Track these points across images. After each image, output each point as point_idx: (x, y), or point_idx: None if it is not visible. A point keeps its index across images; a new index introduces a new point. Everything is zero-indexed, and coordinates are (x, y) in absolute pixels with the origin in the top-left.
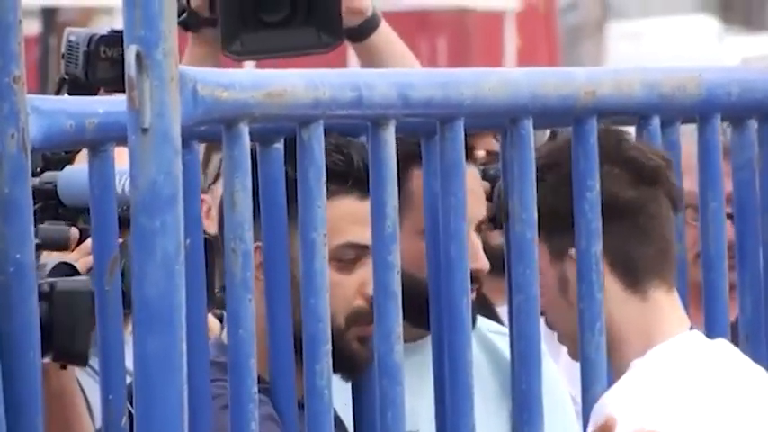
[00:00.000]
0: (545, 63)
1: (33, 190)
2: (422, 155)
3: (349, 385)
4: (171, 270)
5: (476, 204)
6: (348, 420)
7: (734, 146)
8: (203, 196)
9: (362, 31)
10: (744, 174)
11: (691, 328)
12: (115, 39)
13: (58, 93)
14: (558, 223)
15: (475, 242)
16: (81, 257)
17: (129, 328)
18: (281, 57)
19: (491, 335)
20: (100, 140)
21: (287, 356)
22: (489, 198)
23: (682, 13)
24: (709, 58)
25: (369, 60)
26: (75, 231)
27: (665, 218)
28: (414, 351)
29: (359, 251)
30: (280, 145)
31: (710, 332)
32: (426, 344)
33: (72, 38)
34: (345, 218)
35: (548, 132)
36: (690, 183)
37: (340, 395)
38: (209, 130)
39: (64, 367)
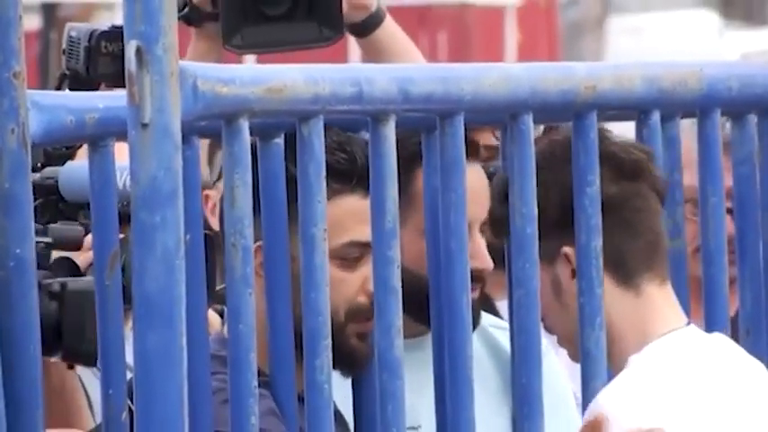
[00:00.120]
0: (545, 58)
1: (34, 185)
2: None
3: (349, 379)
4: (171, 265)
5: (481, 204)
6: (348, 414)
7: (734, 140)
8: (208, 192)
9: (367, 26)
10: (744, 168)
11: (688, 321)
12: (116, 34)
13: (59, 88)
14: (546, 227)
15: (478, 241)
16: (81, 253)
17: (130, 323)
18: (283, 50)
19: (492, 329)
20: (100, 136)
21: (287, 351)
22: None
23: (682, 8)
24: (710, 53)
25: (373, 55)
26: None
27: (652, 210)
28: (415, 347)
29: (363, 249)
30: (280, 140)
31: (710, 327)
32: (427, 340)
33: (73, 33)
34: (349, 216)
35: (541, 128)
36: (690, 177)
37: (340, 389)
38: (210, 125)
39: (71, 367)
